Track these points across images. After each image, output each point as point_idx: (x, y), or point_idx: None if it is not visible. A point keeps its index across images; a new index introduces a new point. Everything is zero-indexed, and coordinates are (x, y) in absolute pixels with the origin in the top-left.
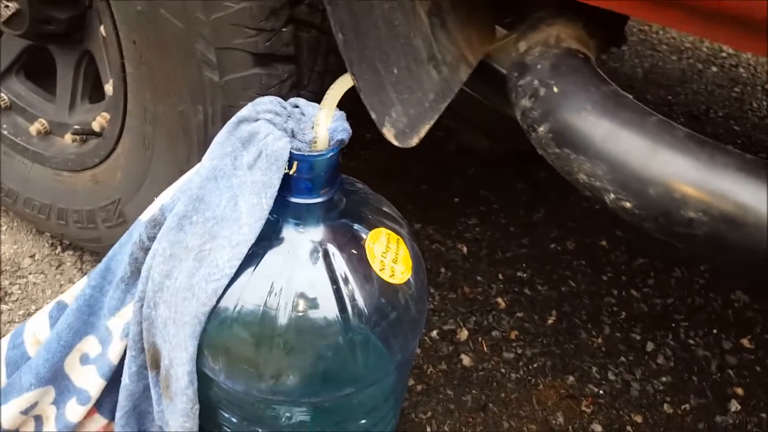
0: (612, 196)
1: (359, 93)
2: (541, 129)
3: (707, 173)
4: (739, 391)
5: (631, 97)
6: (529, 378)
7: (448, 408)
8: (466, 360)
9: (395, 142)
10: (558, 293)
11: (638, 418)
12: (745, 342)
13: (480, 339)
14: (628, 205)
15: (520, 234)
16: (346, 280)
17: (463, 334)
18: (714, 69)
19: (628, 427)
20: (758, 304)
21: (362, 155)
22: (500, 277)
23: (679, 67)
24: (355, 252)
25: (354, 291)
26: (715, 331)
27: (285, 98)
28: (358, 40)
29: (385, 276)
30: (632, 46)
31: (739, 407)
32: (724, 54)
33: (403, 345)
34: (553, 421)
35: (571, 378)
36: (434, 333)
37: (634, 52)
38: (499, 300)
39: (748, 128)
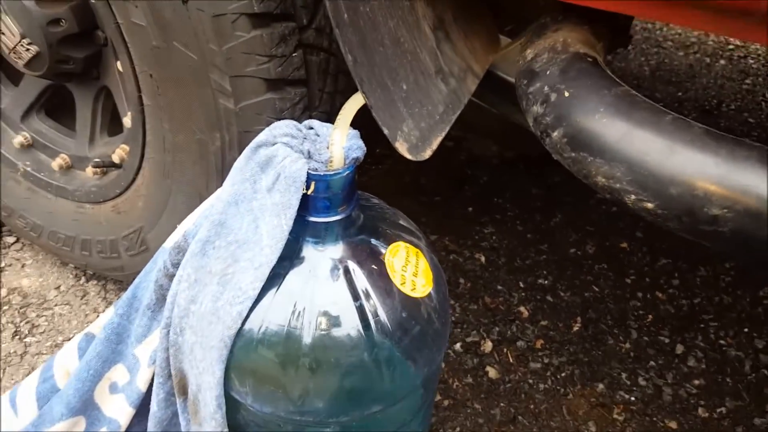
0: (633, 197)
1: (371, 110)
2: (555, 134)
3: (728, 168)
4: None
5: (642, 96)
6: (558, 388)
7: (476, 422)
8: (492, 372)
9: (409, 156)
10: (581, 299)
11: (673, 424)
12: None
13: (505, 350)
14: (650, 205)
15: (538, 240)
16: (367, 296)
17: (488, 346)
18: (722, 62)
19: None
20: None
21: (373, 170)
22: (521, 285)
23: (686, 62)
24: (375, 267)
25: (376, 306)
26: (746, 330)
27: (298, 120)
28: (366, 59)
29: (407, 290)
30: (637, 44)
31: None
32: (731, 46)
33: (428, 359)
34: (586, 431)
35: (601, 385)
36: (458, 346)
37: (639, 51)
38: (522, 309)
39: (762, 119)
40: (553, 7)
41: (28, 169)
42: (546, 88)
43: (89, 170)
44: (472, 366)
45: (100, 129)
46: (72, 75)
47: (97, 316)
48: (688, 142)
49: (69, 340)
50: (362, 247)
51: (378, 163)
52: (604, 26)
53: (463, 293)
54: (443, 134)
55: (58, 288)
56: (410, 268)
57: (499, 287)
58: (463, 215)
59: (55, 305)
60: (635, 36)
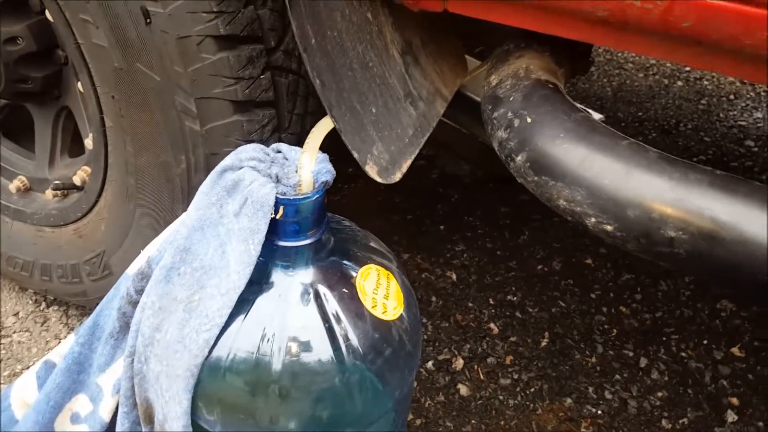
0: (593, 220)
1: (340, 134)
2: (518, 158)
3: (682, 192)
4: (735, 401)
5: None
6: (527, 403)
7: None
8: (463, 389)
9: (379, 179)
10: (549, 314)
11: None
12: (735, 351)
13: (476, 366)
14: (609, 228)
15: (507, 257)
16: (338, 320)
17: (459, 363)
18: (680, 83)
19: None
20: (745, 311)
21: (345, 189)
22: (491, 302)
23: (646, 83)
24: (346, 291)
25: (347, 330)
26: (705, 341)
27: (267, 142)
28: (335, 83)
29: (378, 313)
30: (600, 66)
31: (736, 417)
32: (688, 68)
33: (400, 381)
34: None
35: (569, 400)
36: (429, 364)
37: (602, 72)
38: (492, 325)
39: (717, 138)
40: (517, 34)
41: None
42: (509, 114)
43: (49, 193)
44: (443, 384)
45: (60, 150)
46: (31, 95)
47: (59, 342)
48: (644, 166)
49: (28, 368)
50: (333, 271)
51: (350, 183)
52: (564, 53)
53: (435, 311)
54: (413, 157)
55: (16, 314)
56: (381, 290)
57: (470, 304)
58: (435, 233)
59: (14, 332)
60: (598, 58)
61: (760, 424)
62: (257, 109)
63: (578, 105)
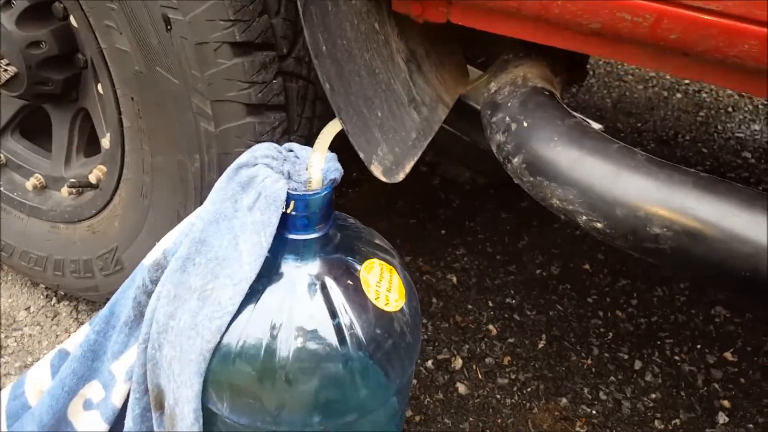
0: (584, 218)
1: (348, 135)
2: (515, 160)
3: (667, 192)
4: (726, 403)
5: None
6: (524, 402)
7: None
8: (461, 388)
9: (383, 178)
10: (546, 317)
11: None
12: (728, 355)
13: (474, 366)
14: (599, 225)
15: (507, 261)
16: (343, 311)
17: (458, 363)
18: (678, 95)
19: None
20: (738, 318)
21: (351, 193)
22: (490, 304)
23: (645, 95)
24: (350, 283)
25: (352, 321)
26: (699, 346)
27: (277, 143)
28: (343, 88)
29: (381, 304)
30: (600, 77)
31: (727, 419)
32: (687, 81)
33: (400, 370)
34: None
35: (564, 400)
36: (429, 363)
37: (602, 84)
38: (491, 327)
39: (715, 150)
40: (516, 44)
41: (1, 189)
42: (507, 119)
43: (64, 190)
44: (443, 382)
45: (76, 150)
46: (50, 96)
47: (68, 336)
48: (632, 167)
49: (39, 361)
50: (339, 264)
51: (355, 186)
52: (561, 62)
53: (436, 312)
54: (415, 159)
55: (28, 309)
56: (384, 283)
57: (470, 306)
58: (437, 237)
59: (25, 326)
60: (598, 69)
61: (750, 426)
62: (269, 112)
63: (575, 113)
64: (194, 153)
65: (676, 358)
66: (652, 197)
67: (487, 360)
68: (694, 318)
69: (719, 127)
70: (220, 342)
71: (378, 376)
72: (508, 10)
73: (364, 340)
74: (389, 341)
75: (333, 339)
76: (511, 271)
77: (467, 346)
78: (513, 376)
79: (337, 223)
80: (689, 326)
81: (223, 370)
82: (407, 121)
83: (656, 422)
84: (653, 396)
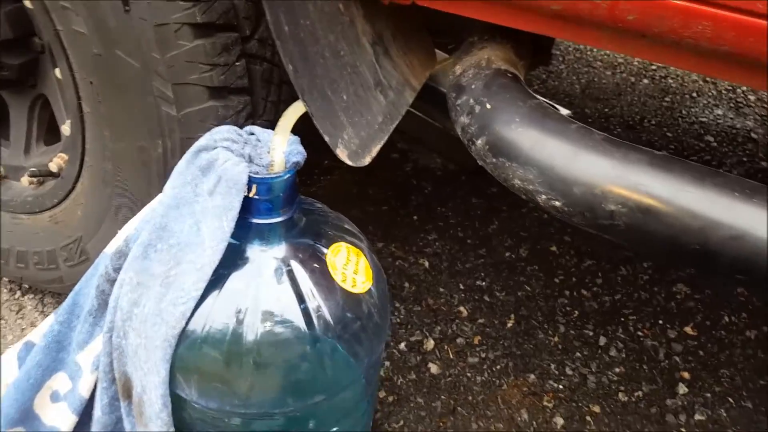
0: (543, 197)
1: (312, 118)
2: (479, 142)
3: (622, 170)
4: (686, 375)
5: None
6: (494, 379)
7: (419, 415)
8: (433, 368)
9: (349, 162)
10: (515, 298)
11: (596, 408)
12: (688, 330)
13: (446, 347)
14: (557, 203)
15: (477, 245)
16: (310, 294)
17: (430, 344)
18: (645, 81)
19: (588, 417)
20: (698, 294)
21: (322, 181)
22: (461, 287)
23: (613, 81)
24: (317, 266)
25: (319, 303)
26: (660, 321)
27: (241, 127)
28: (307, 70)
29: (348, 286)
30: (569, 64)
31: (686, 390)
32: (653, 67)
33: (369, 351)
34: (518, 418)
35: (532, 376)
36: (402, 345)
37: (571, 70)
38: (462, 309)
39: (679, 134)
40: (482, 27)
41: None
42: (471, 101)
43: (24, 180)
44: (415, 363)
45: (36, 138)
46: (6, 82)
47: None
48: (590, 147)
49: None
50: (304, 248)
51: (327, 174)
52: (526, 45)
53: (408, 296)
54: (382, 143)
55: None
56: (351, 266)
57: (441, 290)
58: (409, 223)
59: None
60: (568, 56)
61: (708, 395)
62: (232, 96)
63: (537, 96)
64: (156, 138)
65: (639, 333)
66: (608, 175)
67: (458, 340)
68: (657, 295)
69: (684, 111)
70: (185, 328)
71: (346, 358)
72: None
73: (331, 322)
74: (357, 323)
75: (300, 322)
76: (481, 254)
77: (439, 328)
78: (483, 355)
79: (302, 208)
80: (651, 303)
81: (190, 355)
82: (373, 105)
83: (620, 395)
84: (617, 370)
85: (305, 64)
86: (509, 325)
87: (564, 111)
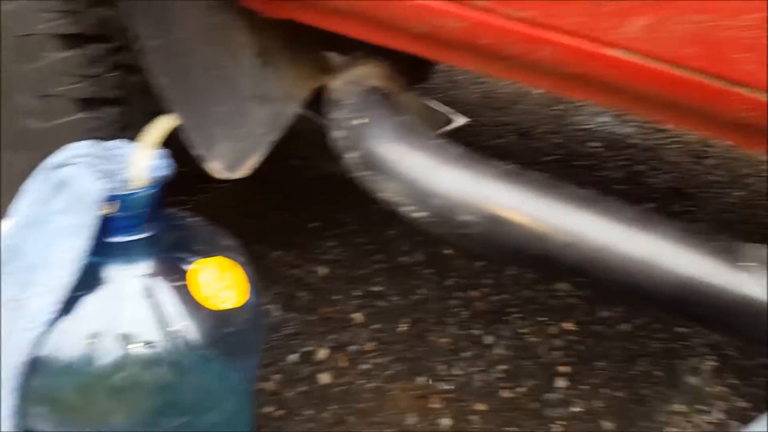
0: (408, 209)
1: (182, 131)
2: (351, 156)
3: (475, 183)
4: (566, 369)
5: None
6: (384, 385)
7: (308, 428)
8: (324, 378)
9: (223, 175)
10: (409, 302)
11: (481, 406)
12: (568, 325)
13: (338, 355)
14: (420, 215)
15: (375, 251)
16: (173, 313)
17: (322, 354)
18: (539, 91)
19: (473, 417)
20: (578, 291)
21: (220, 189)
22: (357, 293)
23: (508, 90)
24: (182, 283)
25: (183, 322)
26: (541, 319)
27: (113, 140)
28: (180, 82)
29: (215, 304)
30: (468, 74)
31: (565, 383)
32: None
33: (240, 367)
34: (407, 422)
35: (422, 378)
36: (293, 356)
37: (470, 79)
38: (356, 315)
39: (567, 140)
40: (363, 44)
41: None
42: (345, 116)
43: None
44: (306, 375)
45: None
46: None
47: None
48: (448, 161)
49: None
50: (169, 265)
51: (221, 182)
52: (403, 62)
53: (302, 305)
54: (261, 154)
55: None
56: (220, 282)
57: (336, 297)
58: (308, 231)
59: None
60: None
61: (586, 387)
62: (105, 107)
63: (409, 110)
64: (20, 152)
65: (523, 331)
66: (462, 188)
67: (351, 348)
68: (540, 294)
69: (571, 119)
70: (38, 354)
71: (213, 376)
72: (338, 9)
73: (196, 341)
74: (225, 340)
75: (162, 343)
76: (378, 260)
77: (332, 336)
78: (375, 361)
79: (169, 223)
80: (535, 301)
81: (43, 383)
82: (253, 116)
83: (505, 392)
84: (501, 368)
85: (177, 76)
86: (403, 329)
87: (461, 120)
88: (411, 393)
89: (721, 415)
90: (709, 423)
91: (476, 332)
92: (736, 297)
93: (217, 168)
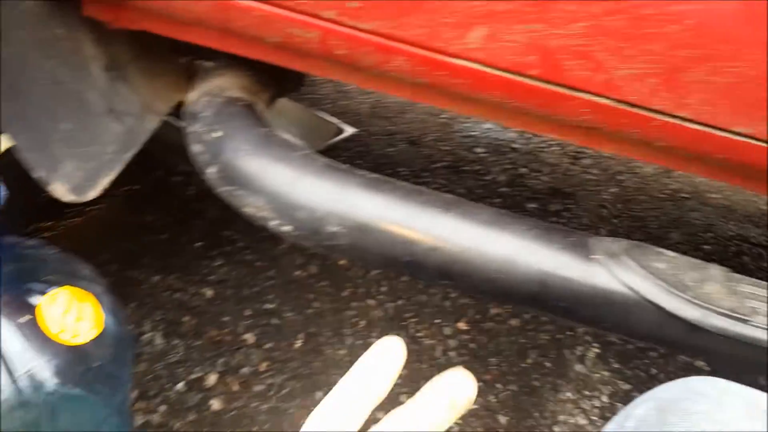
0: (273, 223)
1: (20, 152)
2: (210, 170)
3: (340, 193)
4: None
5: (281, 136)
6: (280, 404)
7: None
8: (216, 404)
9: (69, 197)
10: (304, 317)
11: (380, 415)
12: (461, 325)
13: (229, 379)
14: (287, 229)
15: (266, 267)
16: (17, 353)
17: (212, 379)
18: None
19: (372, 425)
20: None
21: (92, 211)
22: (248, 313)
23: (397, 100)
24: (26, 320)
25: (29, 360)
26: (436, 321)
27: None
28: (17, 99)
29: (66, 337)
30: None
31: None
32: None
33: (108, 402)
34: None
35: (320, 394)
36: (180, 385)
37: (360, 90)
38: (247, 336)
39: (454, 147)
40: (224, 54)
41: None
42: (202, 129)
43: None
44: (195, 403)
45: None
46: None
47: None
48: (312, 173)
49: None
50: (11, 300)
51: (95, 203)
52: (267, 72)
53: (188, 331)
54: (114, 173)
55: None
56: (73, 314)
57: (226, 319)
58: (191, 251)
59: None
60: None
61: (480, 384)
62: None
63: (270, 122)
64: None
65: (420, 334)
66: (327, 199)
67: (243, 370)
68: (434, 296)
69: (457, 127)
70: None
71: (81, 410)
72: (185, 18)
73: (51, 379)
74: (86, 374)
75: (6, 386)
76: (270, 276)
77: (222, 360)
78: (270, 381)
79: (14, 253)
80: (429, 304)
81: None
82: (104, 133)
83: (403, 397)
84: (403, 374)
85: (11, 94)
86: (297, 345)
87: (351, 130)
88: (310, 409)
89: (607, 399)
90: (596, 408)
91: (374, 341)
92: (590, 288)
93: (61, 190)
